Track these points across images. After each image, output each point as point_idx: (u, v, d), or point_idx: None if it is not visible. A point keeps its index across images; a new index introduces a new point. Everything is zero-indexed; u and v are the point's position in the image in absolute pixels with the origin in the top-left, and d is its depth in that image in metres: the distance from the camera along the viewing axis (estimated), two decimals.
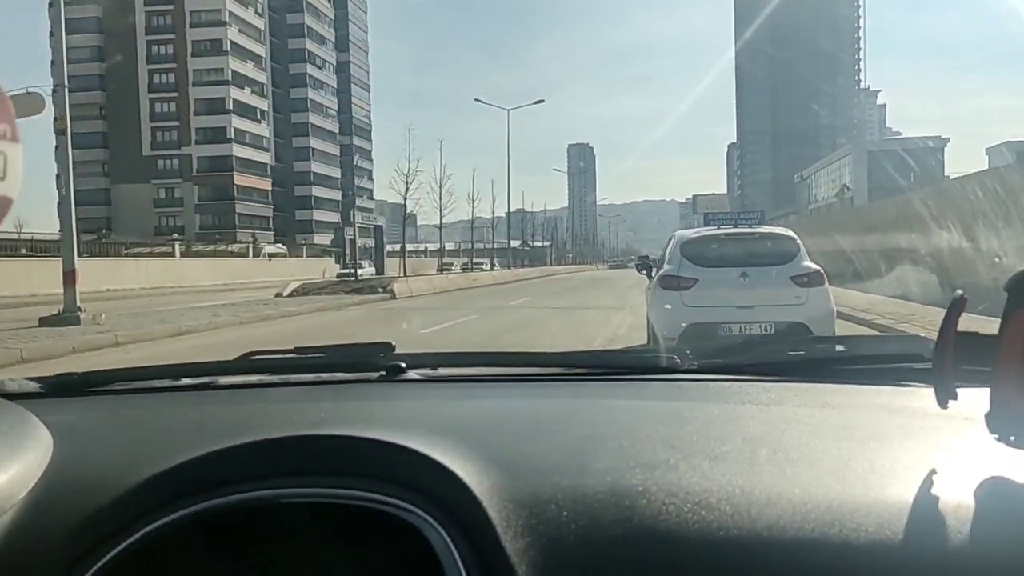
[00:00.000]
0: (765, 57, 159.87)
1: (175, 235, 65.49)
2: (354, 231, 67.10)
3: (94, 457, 1.00)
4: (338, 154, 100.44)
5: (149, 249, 39.13)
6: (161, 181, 79.76)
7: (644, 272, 9.43)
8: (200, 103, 78.37)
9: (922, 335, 1.39)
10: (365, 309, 19.19)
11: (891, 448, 0.89)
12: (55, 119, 14.05)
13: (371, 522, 0.86)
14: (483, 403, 1.27)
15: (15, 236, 33.52)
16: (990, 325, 0.79)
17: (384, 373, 1.40)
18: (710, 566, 0.72)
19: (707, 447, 0.90)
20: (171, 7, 77.46)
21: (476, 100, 59.91)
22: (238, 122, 79.74)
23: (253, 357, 1.59)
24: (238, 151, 79.82)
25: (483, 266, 61.00)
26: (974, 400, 0.84)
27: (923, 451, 0.88)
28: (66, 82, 13.97)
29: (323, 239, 79.50)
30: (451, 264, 59.98)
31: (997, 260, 13.71)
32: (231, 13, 78.50)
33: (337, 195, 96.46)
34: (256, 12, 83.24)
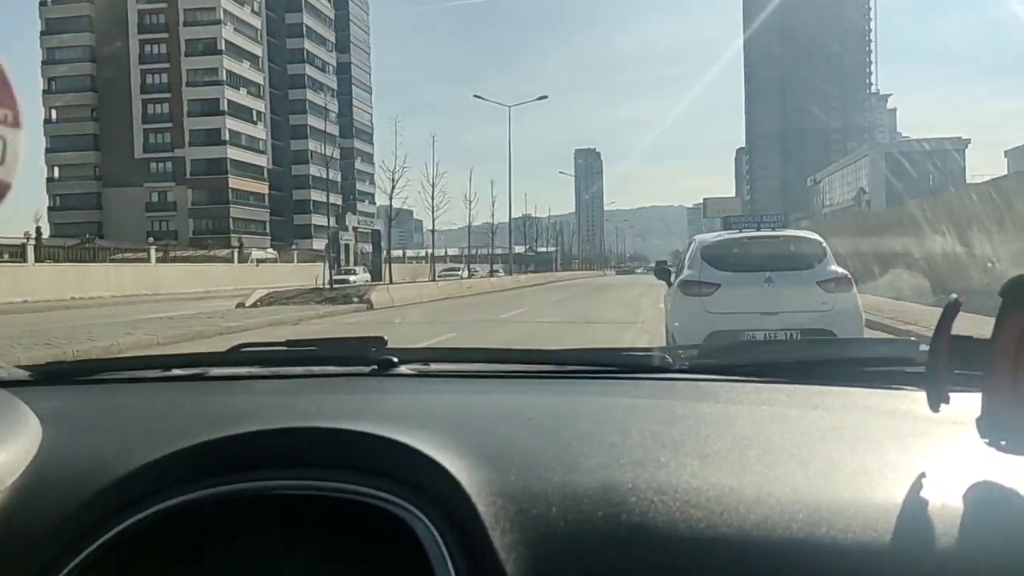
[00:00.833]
0: (774, 61, 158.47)
1: (168, 240, 63.60)
2: (353, 235, 64.79)
3: (83, 445, 1.00)
4: (339, 157, 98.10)
5: (122, 255, 36.49)
6: (154, 184, 77.29)
7: (663, 278, 9.12)
8: (194, 104, 75.91)
9: (913, 339, 1.40)
10: (329, 323, 16.76)
11: (881, 450, 0.89)
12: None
13: (360, 515, 0.85)
14: (475, 399, 1.28)
15: None
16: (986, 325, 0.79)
17: (375, 367, 1.40)
18: (698, 564, 0.72)
19: (697, 446, 0.91)
20: (164, 5, 75.20)
21: (476, 96, 56.52)
22: (233, 124, 77.26)
23: (244, 349, 1.62)
24: (233, 153, 77.33)
25: (478, 272, 57.90)
26: (966, 404, 0.84)
27: (913, 454, 0.89)
28: None
29: (321, 244, 77.11)
30: (457, 269, 57.40)
31: (990, 266, 14.21)
32: (226, 12, 76.14)
33: (337, 199, 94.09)
34: (253, 11, 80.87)
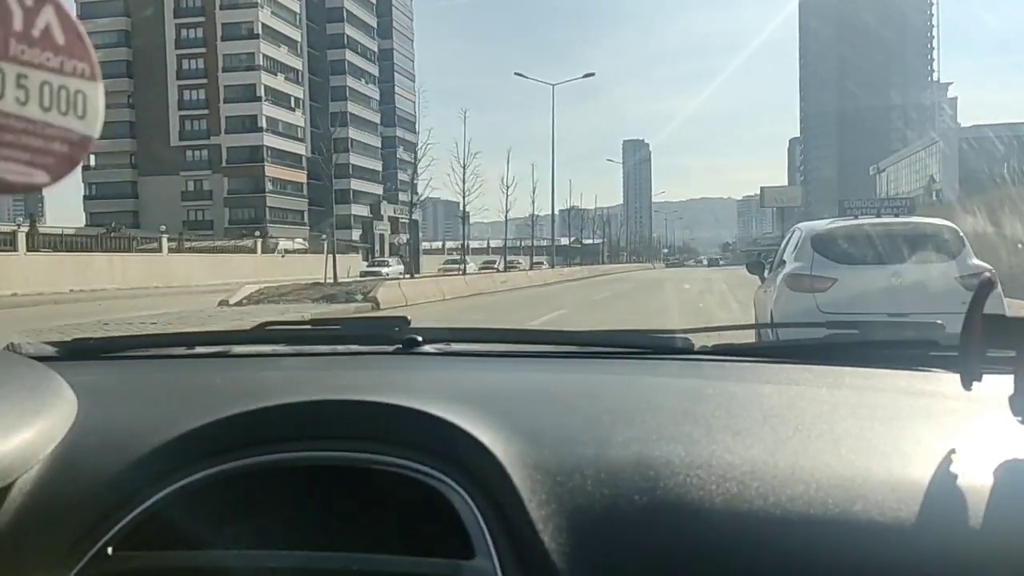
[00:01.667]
0: (831, 48, 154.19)
1: (203, 230, 61.89)
2: (389, 225, 62.09)
3: (117, 417, 1.02)
4: (379, 146, 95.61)
5: (142, 245, 34.02)
6: (189, 173, 75.27)
7: (755, 272, 8.57)
8: (230, 90, 73.70)
9: (939, 321, 1.38)
10: None
11: (913, 429, 0.89)
12: None
13: (396, 487, 0.86)
14: (501, 376, 1.29)
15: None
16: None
17: (400, 346, 1.41)
18: (735, 537, 0.72)
19: (728, 423, 0.90)
20: None
21: (517, 74, 53.17)
22: (270, 110, 74.94)
23: (268, 327, 1.64)
24: (270, 141, 75.05)
25: (519, 265, 54.26)
26: (998, 384, 0.83)
27: (945, 433, 0.88)
28: None
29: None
30: (494, 262, 54.32)
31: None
32: None
33: (379, 189, 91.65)
34: None
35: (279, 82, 76.47)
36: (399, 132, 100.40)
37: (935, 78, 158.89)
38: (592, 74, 50.54)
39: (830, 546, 0.70)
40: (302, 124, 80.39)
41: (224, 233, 62.11)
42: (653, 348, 1.43)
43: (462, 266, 38.89)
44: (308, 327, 1.70)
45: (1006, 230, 16.67)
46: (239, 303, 17.32)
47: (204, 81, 74.40)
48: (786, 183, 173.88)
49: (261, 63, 73.92)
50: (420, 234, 55.17)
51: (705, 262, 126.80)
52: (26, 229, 26.92)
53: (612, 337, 1.57)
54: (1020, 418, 0.78)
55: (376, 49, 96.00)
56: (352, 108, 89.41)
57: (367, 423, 0.90)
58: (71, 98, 0.58)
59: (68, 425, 0.94)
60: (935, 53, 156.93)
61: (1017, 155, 63.99)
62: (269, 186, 75.14)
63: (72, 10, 0.55)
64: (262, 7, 73.81)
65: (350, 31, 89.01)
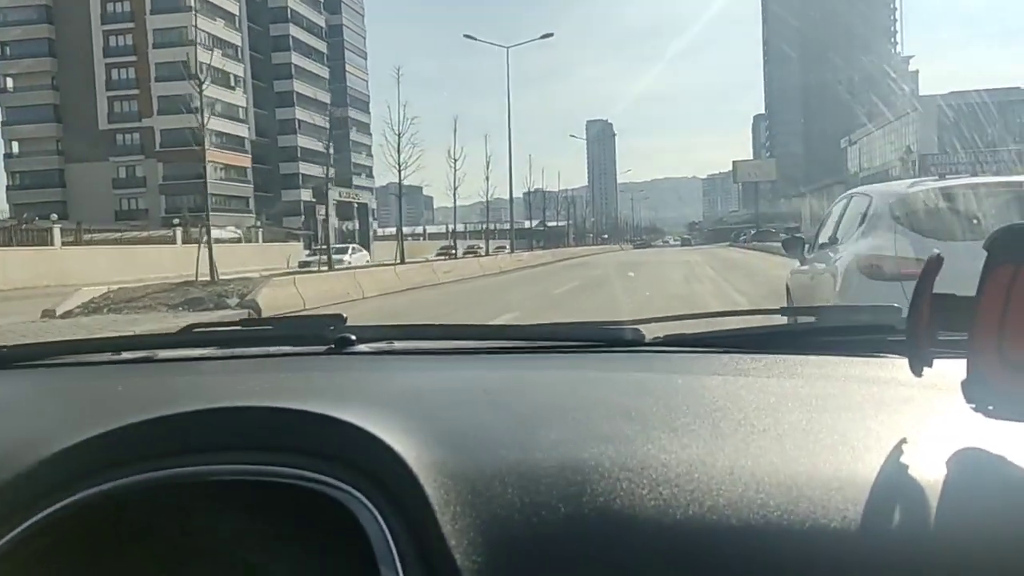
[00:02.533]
0: (793, 24, 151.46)
1: (139, 219, 56.96)
2: (335, 210, 57.29)
3: (9, 430, 0.97)
4: (329, 127, 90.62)
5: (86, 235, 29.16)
6: (120, 158, 69.67)
7: (793, 253, 6.97)
8: (162, 68, 67.98)
9: (896, 305, 1.31)
10: None
11: (862, 419, 0.86)
12: None
13: (300, 500, 0.81)
14: (432, 375, 1.25)
15: None
16: None
17: (332, 346, 1.36)
18: (666, 545, 0.68)
19: (668, 418, 0.86)
20: None
21: (467, 36, 48.32)
22: (206, 89, 69.60)
23: (196, 330, 1.58)
24: (208, 122, 69.88)
25: (479, 250, 49.72)
26: (950, 369, 0.80)
27: (897, 422, 0.85)
28: None
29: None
30: (451, 247, 50.04)
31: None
32: None
33: (330, 172, 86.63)
34: None
35: (216, 59, 70.98)
36: (351, 113, 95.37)
37: (898, 51, 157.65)
38: (550, 34, 46.53)
39: (771, 550, 0.66)
40: (244, 104, 75.06)
41: (161, 223, 57.35)
42: (602, 341, 1.35)
43: (397, 255, 33.75)
44: (238, 328, 1.65)
45: None
46: (68, 314, 12.86)
47: (133, 59, 68.81)
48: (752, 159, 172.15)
49: (194, 37, 68.46)
50: (372, 219, 50.90)
51: (672, 242, 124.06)
52: None
53: (559, 331, 1.47)
54: (973, 404, 0.75)
55: (324, 24, 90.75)
56: (299, 87, 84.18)
57: (272, 431, 0.86)
58: None
59: None
60: (898, 25, 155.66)
61: (997, 121, 60.91)
62: (209, 171, 69.86)
63: None
64: None
65: (293, 4, 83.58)
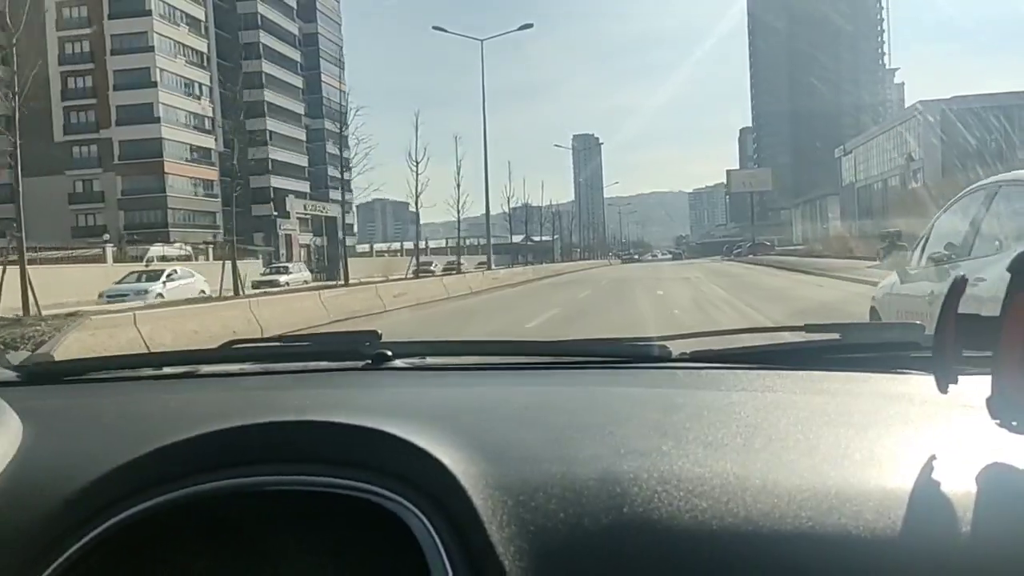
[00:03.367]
0: (780, 36, 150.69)
1: (97, 236, 53.10)
2: (296, 225, 53.61)
3: (66, 445, 0.99)
4: (304, 139, 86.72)
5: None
6: (77, 172, 65.46)
7: (894, 260, 6.67)
8: (121, 75, 64.22)
9: (919, 323, 1.35)
10: None
11: (890, 435, 0.88)
12: None
13: (354, 511, 0.84)
14: (470, 390, 1.28)
15: None
16: None
17: (370, 362, 1.41)
18: (704, 555, 0.70)
19: (700, 434, 0.88)
20: None
21: (436, 28, 44.65)
22: (168, 97, 65.35)
23: (236, 346, 1.61)
24: (169, 133, 65.45)
25: (464, 267, 45.57)
26: (975, 386, 0.82)
27: (923, 438, 0.87)
28: None
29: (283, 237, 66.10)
30: (430, 263, 46.35)
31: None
32: None
33: (304, 186, 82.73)
34: None
35: (179, 66, 67.11)
36: (328, 124, 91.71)
37: (884, 62, 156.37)
38: (530, 25, 42.61)
39: (804, 562, 0.68)
40: (210, 115, 71.08)
41: (121, 240, 53.51)
42: (630, 357, 1.40)
43: (342, 276, 29.54)
44: (276, 344, 1.69)
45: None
46: None
47: (91, 66, 64.78)
48: None
49: (155, 44, 64.57)
50: (345, 234, 47.16)
51: (661, 256, 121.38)
52: None
53: (588, 346, 1.53)
54: (998, 420, 0.77)
55: (297, 32, 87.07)
56: (270, 97, 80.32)
57: (323, 445, 0.88)
58: None
59: (10, 455, 0.92)
60: (885, 36, 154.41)
61: (1002, 129, 57.78)
62: (172, 185, 65.76)
63: None
64: None
65: (264, 10, 79.81)
